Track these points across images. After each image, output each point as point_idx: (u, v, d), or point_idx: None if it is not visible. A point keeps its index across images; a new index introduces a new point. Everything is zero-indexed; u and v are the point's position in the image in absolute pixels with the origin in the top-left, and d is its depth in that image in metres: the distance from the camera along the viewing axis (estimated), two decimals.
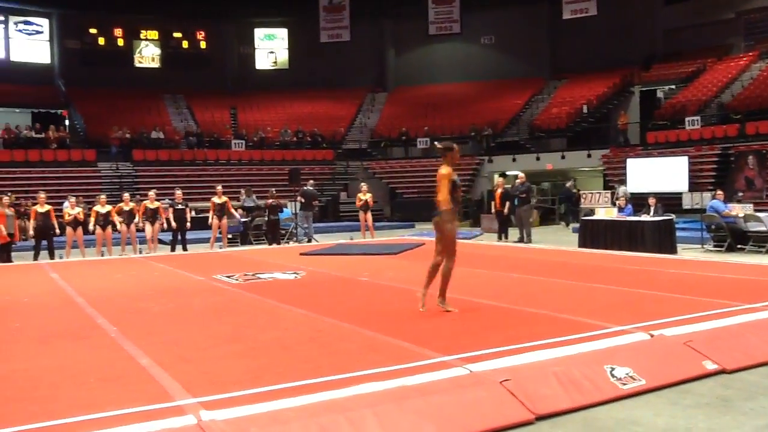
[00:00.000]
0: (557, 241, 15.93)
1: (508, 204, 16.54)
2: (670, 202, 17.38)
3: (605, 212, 14.21)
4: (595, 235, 13.76)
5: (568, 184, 24.22)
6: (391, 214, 27.71)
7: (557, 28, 33.20)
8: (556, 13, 32.41)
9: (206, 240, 16.49)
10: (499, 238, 16.69)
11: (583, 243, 13.84)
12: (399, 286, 8.42)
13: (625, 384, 4.30)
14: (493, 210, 17.35)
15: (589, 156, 26.18)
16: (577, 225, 16.49)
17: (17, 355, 5.29)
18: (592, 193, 17.34)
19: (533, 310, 6.47)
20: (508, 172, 25.73)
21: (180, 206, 15.78)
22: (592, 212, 15.94)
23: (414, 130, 31.26)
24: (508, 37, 34.37)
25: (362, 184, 18.66)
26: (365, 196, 17.48)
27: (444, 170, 6.45)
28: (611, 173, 24.94)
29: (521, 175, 17.11)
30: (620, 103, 29.79)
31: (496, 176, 23.99)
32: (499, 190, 16.89)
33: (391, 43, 36.71)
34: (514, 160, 27.61)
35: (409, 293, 7.85)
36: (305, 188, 18.25)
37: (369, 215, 17.56)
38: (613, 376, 4.35)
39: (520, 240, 15.84)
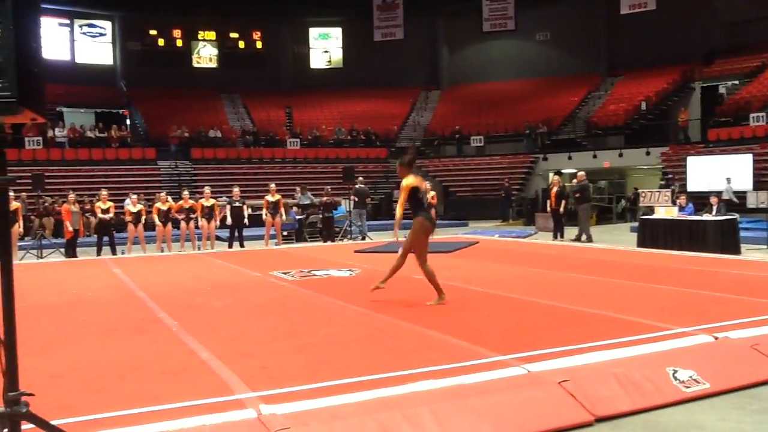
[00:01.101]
0: (614, 240, 15.62)
1: (563, 202, 16.30)
2: (733, 201, 16.86)
3: (665, 211, 13.86)
4: (655, 234, 13.43)
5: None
6: (445, 213, 27.62)
7: (614, 24, 32.53)
8: (614, 8, 31.77)
9: (263, 237, 16.74)
10: (555, 237, 16.45)
11: (642, 242, 13.53)
12: (454, 285, 8.37)
13: (688, 387, 4.19)
14: (548, 208, 17.11)
15: (647, 154, 25.61)
16: (635, 224, 16.15)
17: (84, 348, 5.47)
18: (651, 191, 16.88)
19: (591, 310, 6.36)
20: (563, 170, 25.38)
21: (237, 204, 16.05)
22: (651, 211, 15.58)
23: (467, 128, 31.11)
24: (564, 33, 33.86)
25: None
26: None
27: (405, 182, 6.90)
28: (671, 171, 24.32)
29: (580, 173, 16.85)
30: (680, 99, 29.01)
31: (551, 174, 23.65)
32: (555, 189, 16.65)
33: (444, 41, 36.60)
34: (569, 158, 27.19)
35: (464, 292, 7.83)
36: (357, 186, 18.34)
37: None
38: (675, 378, 4.25)
39: (578, 238, 15.59)
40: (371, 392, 3.94)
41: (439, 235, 16.98)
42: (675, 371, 4.31)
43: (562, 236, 16.37)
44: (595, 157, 26.62)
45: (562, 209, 16.31)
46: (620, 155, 26.29)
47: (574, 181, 16.57)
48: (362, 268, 10.32)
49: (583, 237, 15.62)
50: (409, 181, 6.88)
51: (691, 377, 4.27)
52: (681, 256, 11.27)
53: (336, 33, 38.10)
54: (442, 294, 7.01)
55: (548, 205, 16.91)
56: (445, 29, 36.40)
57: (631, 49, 31.83)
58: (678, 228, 13.08)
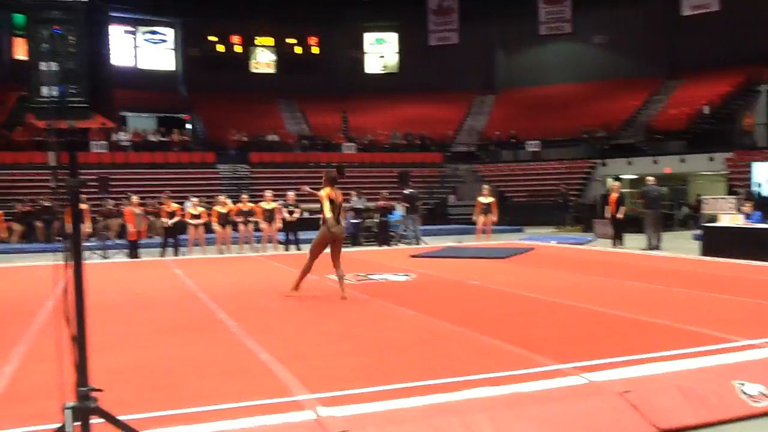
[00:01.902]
0: (677, 248, 15.20)
1: (622, 208, 15.97)
2: None
3: (730, 219, 13.43)
4: (719, 242, 13.03)
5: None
6: (500, 218, 27.40)
7: (676, 25, 31.74)
8: (675, 10, 31.02)
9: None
10: (614, 244, 16.10)
11: (706, 251, 13.14)
12: (509, 291, 8.31)
13: (757, 402, 4.05)
14: (607, 215, 16.75)
15: (711, 159, 24.86)
16: (698, 231, 15.69)
17: (147, 346, 5.61)
18: (715, 198, 16.42)
19: (653, 320, 6.20)
20: (622, 176, 24.88)
21: (291, 207, 16.24)
22: (714, 218, 15.14)
23: (524, 132, 30.76)
24: (623, 36, 33.19)
25: (485, 186, 18.48)
26: (487, 199, 17.30)
27: (323, 192, 7.96)
28: (735, 177, 23.56)
29: (650, 178, 16.51)
30: (745, 103, 28.05)
31: (609, 180, 23.20)
32: (614, 194, 16.31)
33: (500, 45, 36.34)
34: (629, 163, 26.62)
35: (519, 298, 7.76)
36: (406, 192, 18.32)
37: (489, 218, 17.29)
38: (743, 392, 4.11)
39: (654, 247, 15.17)
40: (428, 397, 3.93)
41: (494, 241, 16.85)
42: (742, 385, 4.17)
43: (621, 243, 16.02)
44: (655, 162, 25.97)
45: (621, 215, 15.98)
46: (682, 161, 25.60)
47: None
48: (418, 273, 10.31)
49: (645, 244, 15.25)
50: (327, 191, 7.93)
51: (760, 392, 4.12)
52: (747, 266, 10.89)
53: (391, 38, 38.26)
54: (296, 288, 8.14)
55: (607, 211, 16.58)
56: (501, 33, 36.11)
57: (693, 52, 30.93)
58: (744, 236, 12.66)
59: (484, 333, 5.73)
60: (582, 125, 29.65)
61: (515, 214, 25.53)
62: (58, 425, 2.92)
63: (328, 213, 7.88)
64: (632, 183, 26.04)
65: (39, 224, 20.66)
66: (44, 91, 2.71)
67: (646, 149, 27.52)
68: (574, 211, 25.55)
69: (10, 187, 22.80)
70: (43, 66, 2.69)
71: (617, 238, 16.16)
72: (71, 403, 2.87)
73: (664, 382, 4.19)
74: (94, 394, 2.93)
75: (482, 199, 17.37)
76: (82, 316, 2.89)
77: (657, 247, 15.15)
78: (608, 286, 8.86)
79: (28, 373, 4.74)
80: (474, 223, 17.83)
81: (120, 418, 3.12)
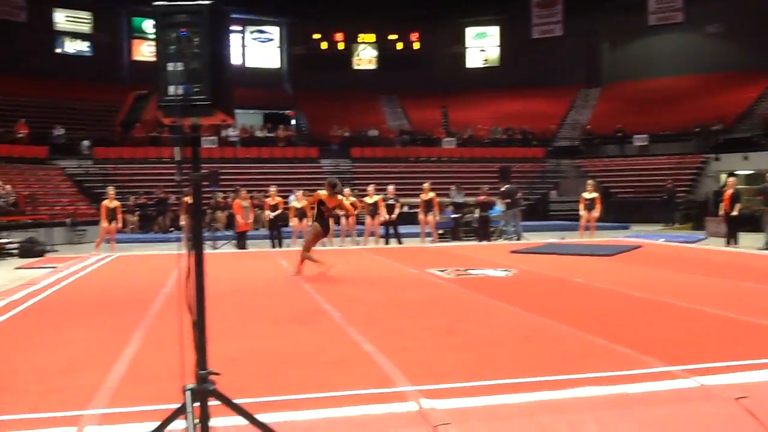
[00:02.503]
0: None
1: (737, 206, 15.17)
2: None
3: None
4: None
5: None
6: (604, 215, 26.56)
7: None
8: None
9: (418, 234, 17.00)
10: (728, 243, 15.32)
11: None
12: (615, 290, 8.07)
13: None
14: (721, 212, 15.95)
15: None
16: None
17: (254, 334, 5.84)
18: None
19: None
20: (737, 172, 23.61)
21: (391, 201, 16.40)
22: None
23: (630, 126, 29.69)
24: (739, 25, 31.42)
25: (588, 182, 18.01)
26: (591, 194, 16.88)
27: (321, 192, 9.53)
28: None
29: None
30: None
31: (722, 176, 22.05)
32: (729, 191, 15.51)
33: (605, 36, 35.28)
34: (745, 158, 25.19)
35: (626, 297, 7.53)
36: (504, 188, 18.08)
37: (593, 214, 16.84)
38: None
39: None
40: (532, 394, 3.89)
41: (598, 238, 16.40)
42: None
43: (735, 242, 15.22)
44: None
45: (735, 213, 15.18)
46: None
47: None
48: (519, 269, 10.19)
49: (762, 243, 14.44)
50: (321, 194, 9.40)
51: None
52: None
53: (493, 32, 37.87)
54: (325, 265, 9.40)
55: (721, 208, 15.80)
56: (606, 24, 35.02)
57: None
58: None
59: (589, 332, 5.61)
60: (693, 119, 28.33)
61: (621, 210, 24.70)
62: (178, 405, 3.09)
63: (307, 209, 9.69)
64: (748, 179, 24.64)
65: (154, 215, 21.86)
66: (171, 90, 2.87)
67: (765, 143, 25.97)
68: (684, 208, 24.47)
69: (127, 180, 24.19)
70: (170, 66, 2.85)
71: (731, 237, 15.37)
72: (191, 385, 3.04)
73: None
74: (212, 377, 3.09)
75: (586, 195, 16.95)
76: (202, 303, 3.05)
77: None
78: (721, 287, 8.44)
79: (147, 356, 5.04)
80: (577, 219, 17.41)
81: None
